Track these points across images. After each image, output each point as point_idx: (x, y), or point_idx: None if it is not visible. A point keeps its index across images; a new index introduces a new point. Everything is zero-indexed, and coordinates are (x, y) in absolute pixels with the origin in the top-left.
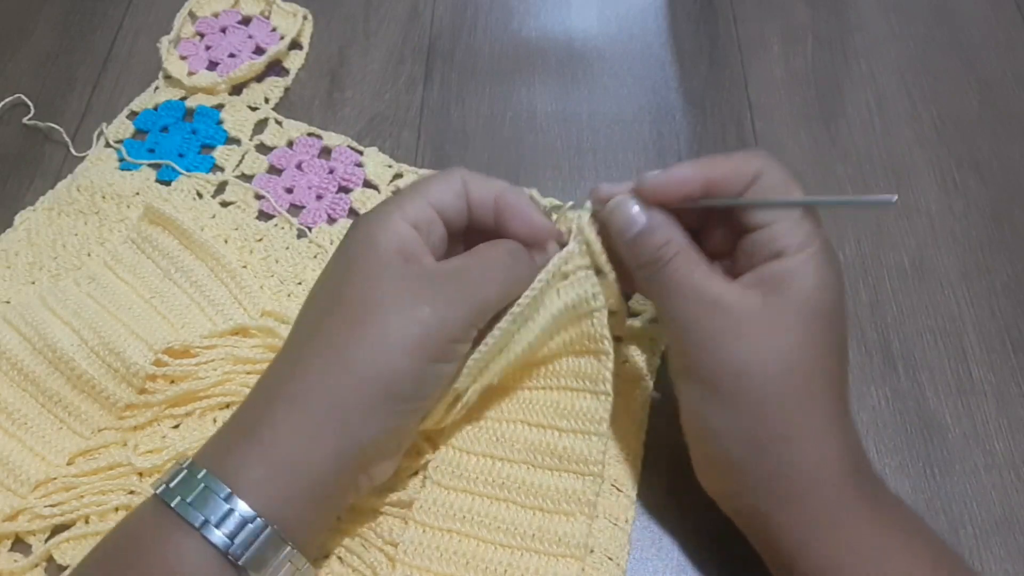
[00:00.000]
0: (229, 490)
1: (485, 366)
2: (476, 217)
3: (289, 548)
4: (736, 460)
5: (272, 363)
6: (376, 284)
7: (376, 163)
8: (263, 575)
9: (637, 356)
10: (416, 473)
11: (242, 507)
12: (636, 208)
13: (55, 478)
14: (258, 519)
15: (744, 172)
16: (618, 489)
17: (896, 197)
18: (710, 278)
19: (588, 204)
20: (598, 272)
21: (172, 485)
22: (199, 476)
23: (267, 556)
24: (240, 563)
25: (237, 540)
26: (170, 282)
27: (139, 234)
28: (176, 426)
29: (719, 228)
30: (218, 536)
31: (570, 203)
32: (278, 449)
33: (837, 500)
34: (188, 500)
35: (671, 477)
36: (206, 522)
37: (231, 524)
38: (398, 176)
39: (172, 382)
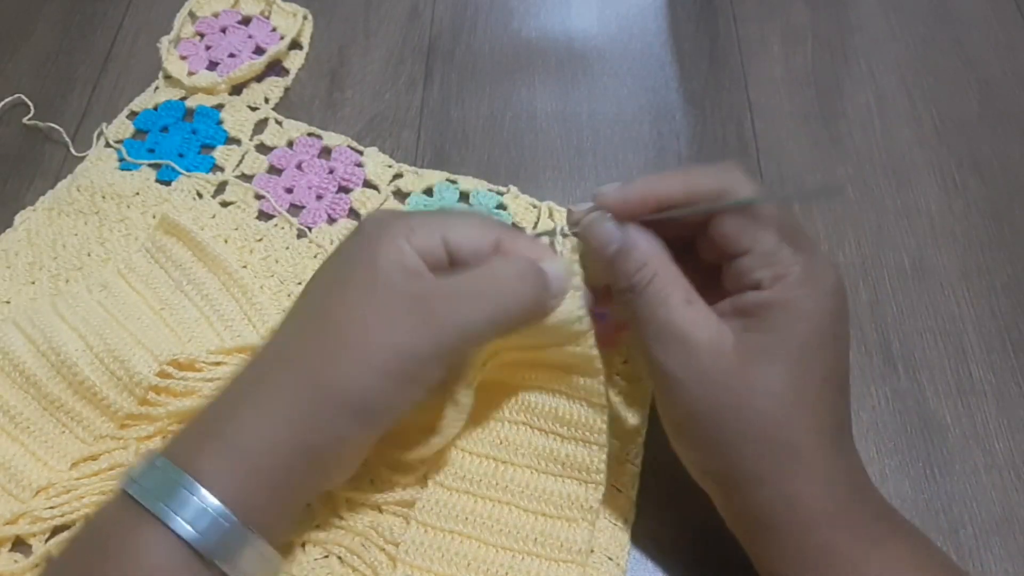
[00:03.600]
0: (192, 480)
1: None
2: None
3: (253, 536)
4: (712, 492)
5: (248, 364)
6: (361, 300)
7: (376, 163)
8: (227, 564)
9: (637, 356)
10: (422, 474)
11: (205, 496)
12: (610, 225)
13: (55, 484)
14: (222, 507)
15: (704, 188)
16: (618, 489)
17: (845, 186)
18: (683, 309)
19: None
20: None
21: (136, 477)
22: (161, 466)
23: (231, 544)
24: (204, 551)
25: (200, 529)
26: (181, 294)
27: (154, 243)
28: None
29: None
30: (182, 525)
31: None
32: (239, 445)
33: (822, 543)
34: (151, 490)
35: (671, 478)
36: (169, 512)
37: (194, 513)
38: (398, 176)
39: (175, 396)
